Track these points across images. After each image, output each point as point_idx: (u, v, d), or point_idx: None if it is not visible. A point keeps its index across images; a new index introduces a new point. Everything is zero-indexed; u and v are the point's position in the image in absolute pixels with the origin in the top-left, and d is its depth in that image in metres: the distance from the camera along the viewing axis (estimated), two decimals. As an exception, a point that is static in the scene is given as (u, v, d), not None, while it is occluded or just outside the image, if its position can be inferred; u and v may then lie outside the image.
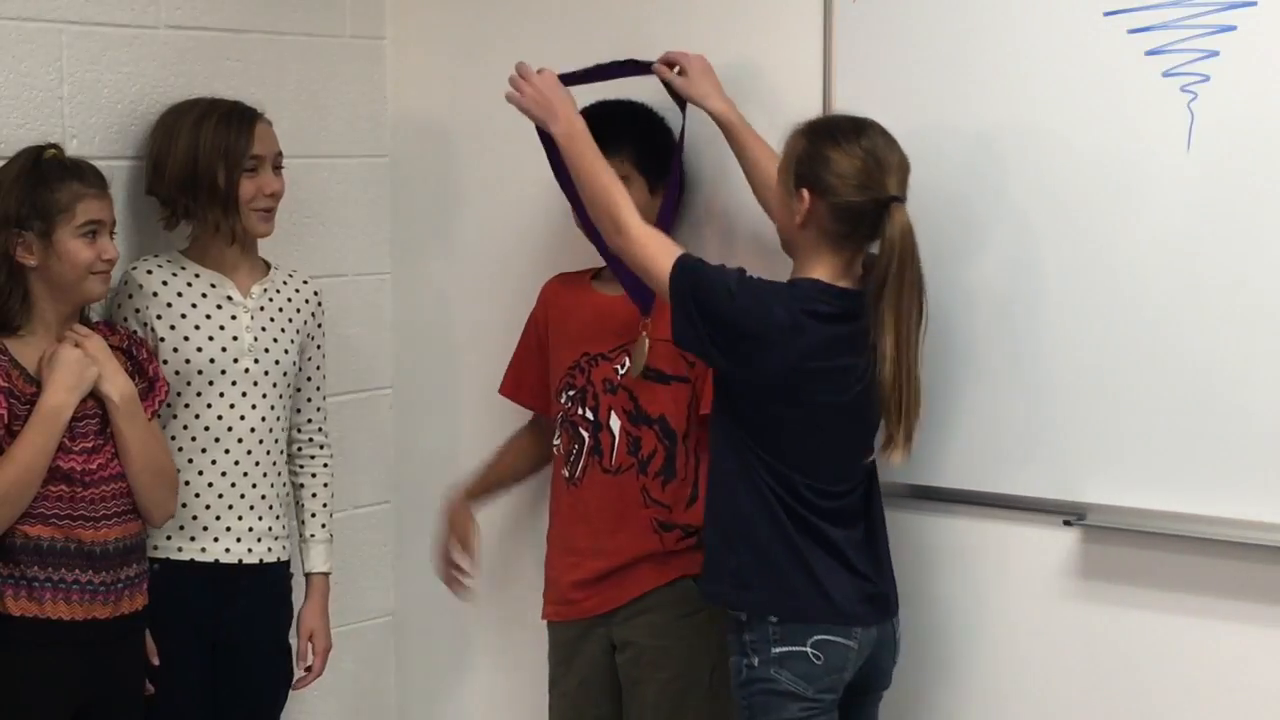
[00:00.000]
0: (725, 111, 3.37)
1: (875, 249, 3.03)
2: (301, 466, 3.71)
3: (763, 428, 3.04)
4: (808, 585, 3.04)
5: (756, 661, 3.06)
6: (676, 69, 3.41)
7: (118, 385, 3.25)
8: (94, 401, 3.23)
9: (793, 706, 3.04)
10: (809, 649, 3.03)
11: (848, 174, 2.97)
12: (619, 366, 3.51)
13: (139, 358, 3.35)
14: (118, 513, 3.25)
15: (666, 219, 3.46)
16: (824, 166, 2.98)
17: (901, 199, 2.98)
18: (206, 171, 3.44)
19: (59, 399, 3.17)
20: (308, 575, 3.71)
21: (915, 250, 2.97)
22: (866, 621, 3.07)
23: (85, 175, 3.23)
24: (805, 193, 2.99)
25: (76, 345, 3.21)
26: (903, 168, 3.01)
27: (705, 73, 3.41)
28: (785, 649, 3.04)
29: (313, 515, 3.72)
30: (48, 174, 3.20)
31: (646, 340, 3.43)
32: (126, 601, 3.27)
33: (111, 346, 3.30)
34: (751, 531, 3.06)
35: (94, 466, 3.22)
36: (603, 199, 3.12)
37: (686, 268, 3.01)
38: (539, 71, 3.25)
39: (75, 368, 3.19)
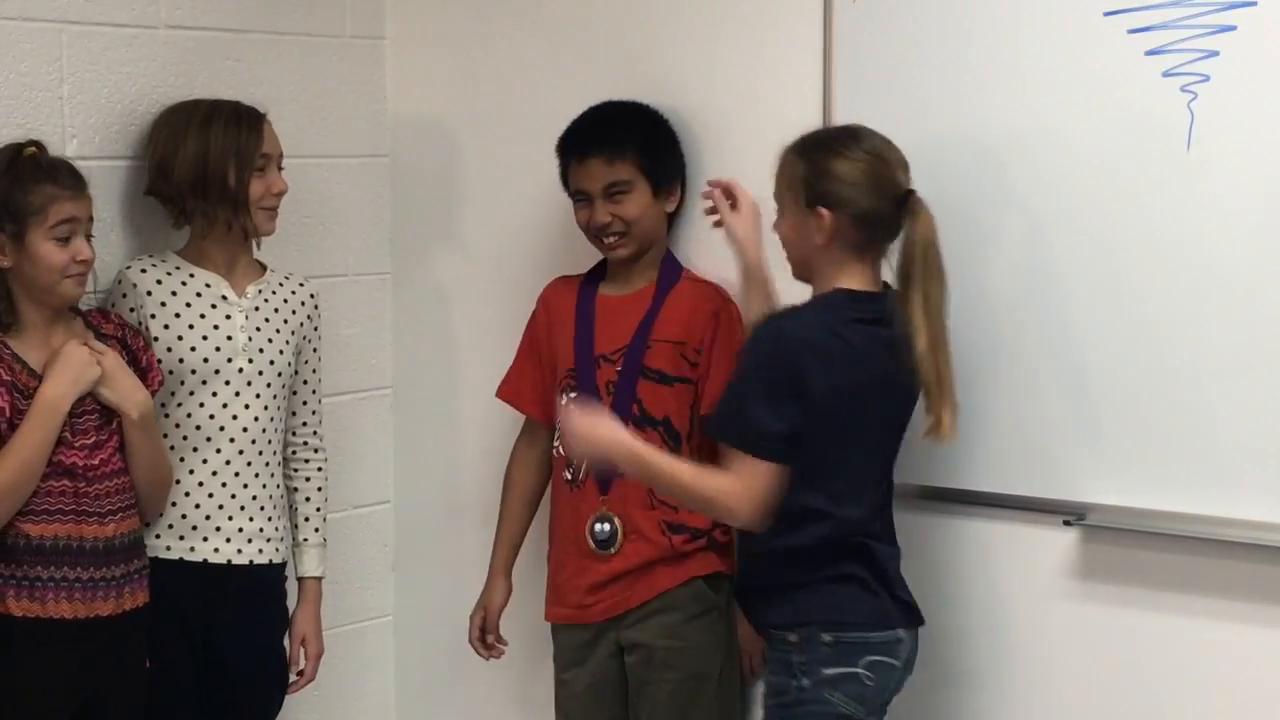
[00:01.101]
0: (753, 262, 3.24)
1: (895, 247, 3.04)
2: (296, 470, 3.70)
3: (821, 464, 2.98)
4: (858, 598, 3.02)
5: (807, 683, 3.00)
6: (731, 201, 3.28)
7: (136, 401, 3.27)
8: (93, 397, 3.23)
9: None
10: (861, 669, 3.00)
11: (859, 180, 2.96)
12: (619, 368, 3.52)
13: (133, 347, 3.35)
14: (122, 508, 3.26)
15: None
16: (832, 179, 2.97)
17: (914, 190, 2.99)
18: (217, 171, 3.44)
19: (57, 392, 3.17)
20: (300, 580, 3.71)
21: (937, 235, 2.97)
22: (911, 623, 3.08)
23: (60, 176, 3.21)
24: (823, 210, 2.97)
25: (85, 344, 3.22)
26: (904, 162, 3.02)
27: (750, 217, 3.26)
28: (838, 670, 3.00)
29: (306, 519, 3.71)
30: (22, 175, 3.18)
31: None
32: (129, 598, 3.27)
33: (105, 335, 3.30)
34: (806, 559, 3.02)
35: (96, 462, 3.22)
36: (690, 493, 3.06)
37: (733, 433, 2.99)
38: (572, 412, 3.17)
39: (76, 364, 3.20)
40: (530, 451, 3.70)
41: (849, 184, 2.96)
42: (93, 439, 3.23)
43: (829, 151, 2.99)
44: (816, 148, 3.01)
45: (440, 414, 4.16)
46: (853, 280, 3.00)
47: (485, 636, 3.74)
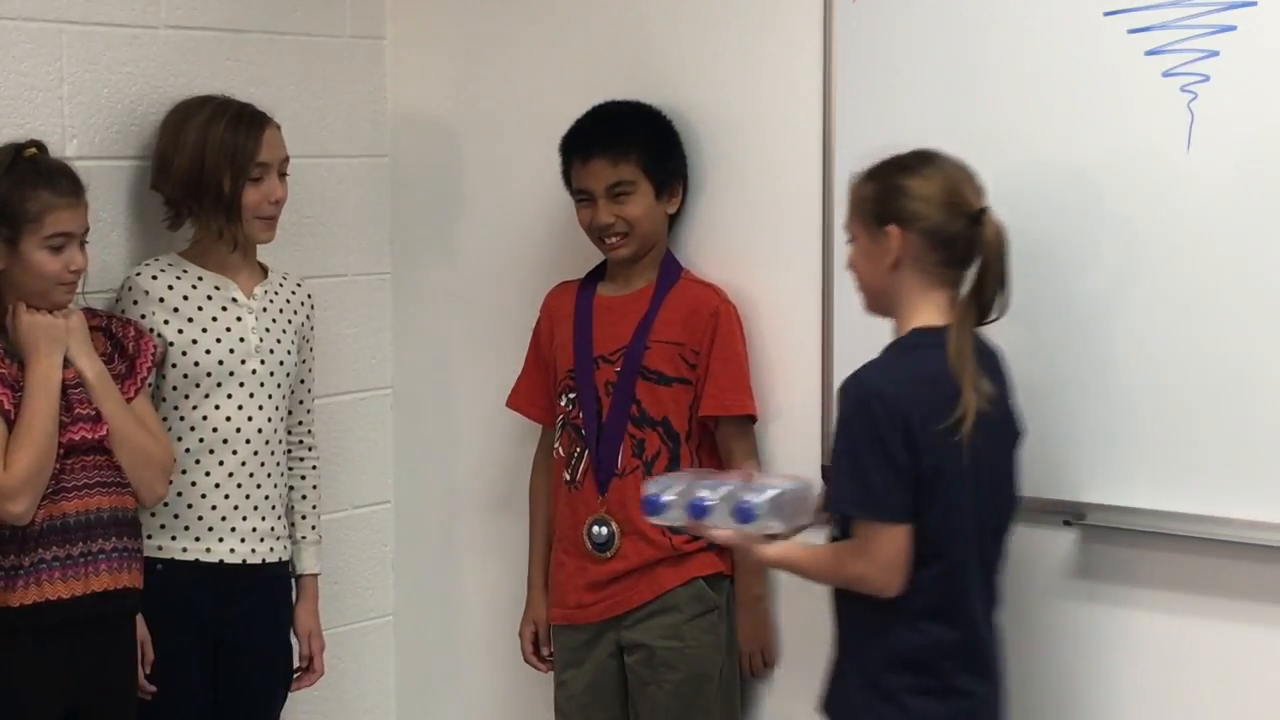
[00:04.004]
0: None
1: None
2: (292, 468, 3.69)
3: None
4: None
5: None
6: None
7: (93, 363, 3.24)
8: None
9: None
10: None
11: (931, 196, 2.86)
12: (618, 369, 3.52)
13: (119, 336, 3.34)
14: (95, 484, 3.24)
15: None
16: (904, 196, 2.87)
17: (987, 207, 2.89)
18: (212, 175, 3.42)
19: (43, 364, 3.16)
20: (300, 577, 3.70)
21: (1005, 250, 2.88)
22: None
23: (58, 183, 3.18)
24: (892, 227, 2.86)
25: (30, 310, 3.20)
26: (977, 181, 2.91)
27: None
28: None
29: (303, 517, 3.71)
30: (20, 179, 3.16)
31: None
32: (107, 577, 3.23)
33: (93, 328, 3.29)
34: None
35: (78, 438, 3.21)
36: (839, 577, 2.93)
37: (865, 506, 2.84)
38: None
39: (44, 330, 3.18)
40: (549, 460, 3.68)
41: (920, 199, 2.86)
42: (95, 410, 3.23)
43: (898, 170, 2.89)
44: (885, 168, 2.91)
45: (440, 414, 4.16)
46: (930, 314, 2.88)
47: (540, 650, 3.71)
